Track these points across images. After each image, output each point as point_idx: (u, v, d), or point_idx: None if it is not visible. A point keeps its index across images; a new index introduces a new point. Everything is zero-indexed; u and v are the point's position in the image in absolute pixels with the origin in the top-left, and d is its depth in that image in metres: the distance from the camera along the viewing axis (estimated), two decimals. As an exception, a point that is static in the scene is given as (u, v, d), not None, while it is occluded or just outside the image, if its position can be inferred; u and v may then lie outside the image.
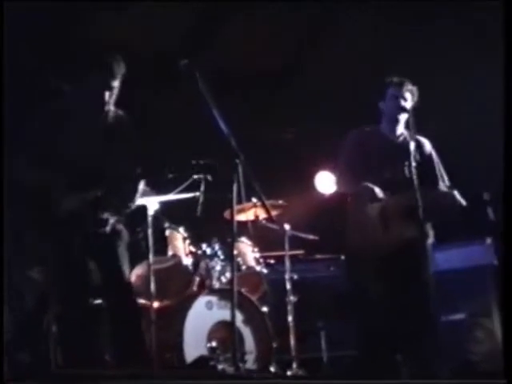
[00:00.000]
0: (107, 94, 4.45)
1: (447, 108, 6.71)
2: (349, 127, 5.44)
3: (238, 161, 4.09)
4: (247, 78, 7.12)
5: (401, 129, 5.36)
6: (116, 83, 4.48)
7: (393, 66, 5.56)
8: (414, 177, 4.86)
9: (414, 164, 4.91)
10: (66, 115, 4.50)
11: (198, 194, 5.22)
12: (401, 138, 5.34)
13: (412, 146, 5.00)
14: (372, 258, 5.06)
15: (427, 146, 5.39)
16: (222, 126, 4.09)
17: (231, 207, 4.20)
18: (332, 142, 5.59)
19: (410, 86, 5.25)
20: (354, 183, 5.17)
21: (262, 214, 6.15)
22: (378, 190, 5.07)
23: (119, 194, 4.47)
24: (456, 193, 5.15)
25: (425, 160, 5.25)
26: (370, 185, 5.08)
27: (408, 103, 5.22)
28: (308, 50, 7.21)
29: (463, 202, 5.09)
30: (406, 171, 5.10)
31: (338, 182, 5.44)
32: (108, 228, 4.48)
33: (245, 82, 7.15)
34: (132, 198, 4.58)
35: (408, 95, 5.24)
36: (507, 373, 3.71)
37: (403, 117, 5.26)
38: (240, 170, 4.06)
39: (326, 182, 7.58)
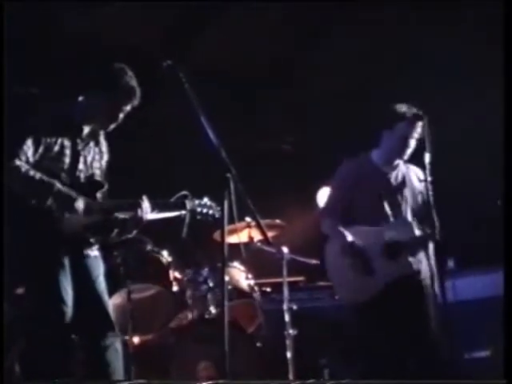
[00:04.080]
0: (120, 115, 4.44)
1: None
2: (355, 137, 5.53)
3: (229, 175, 3.88)
4: (239, 80, 7.03)
5: (397, 160, 5.25)
6: (129, 108, 4.46)
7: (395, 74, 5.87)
8: (409, 214, 4.99)
9: (409, 200, 5.03)
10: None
11: (183, 212, 4.94)
12: (395, 172, 5.22)
13: (408, 179, 5.08)
14: (360, 305, 5.04)
15: (421, 176, 5.15)
16: (211, 135, 3.91)
17: (222, 228, 3.96)
18: (336, 153, 5.49)
19: (421, 122, 4.98)
20: (331, 224, 5.19)
21: (257, 236, 5.93)
22: (350, 240, 5.06)
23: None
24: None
25: (418, 194, 5.17)
26: (345, 232, 5.07)
27: (414, 141, 5.05)
28: (308, 48, 7.07)
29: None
30: (402, 207, 5.09)
31: (320, 219, 5.42)
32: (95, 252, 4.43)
33: (237, 85, 7.07)
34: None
35: (418, 132, 5.02)
36: (507, 373, 3.75)
37: (406, 153, 5.14)
38: (231, 185, 3.87)
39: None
